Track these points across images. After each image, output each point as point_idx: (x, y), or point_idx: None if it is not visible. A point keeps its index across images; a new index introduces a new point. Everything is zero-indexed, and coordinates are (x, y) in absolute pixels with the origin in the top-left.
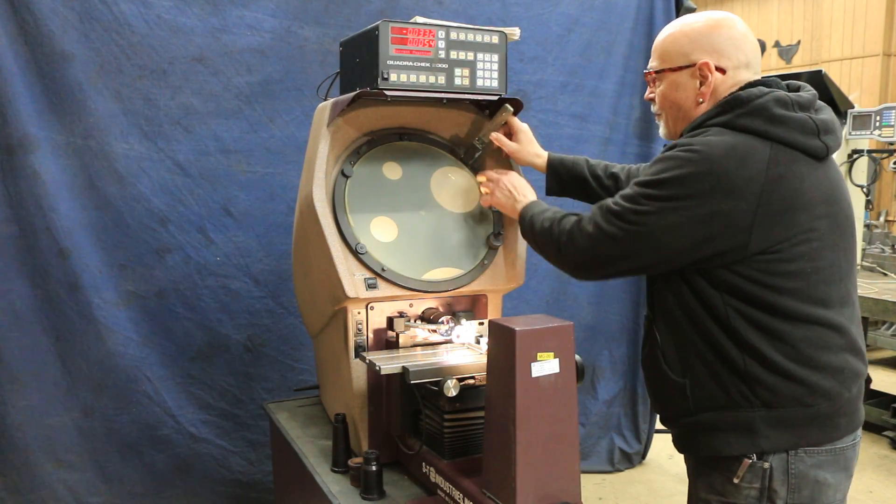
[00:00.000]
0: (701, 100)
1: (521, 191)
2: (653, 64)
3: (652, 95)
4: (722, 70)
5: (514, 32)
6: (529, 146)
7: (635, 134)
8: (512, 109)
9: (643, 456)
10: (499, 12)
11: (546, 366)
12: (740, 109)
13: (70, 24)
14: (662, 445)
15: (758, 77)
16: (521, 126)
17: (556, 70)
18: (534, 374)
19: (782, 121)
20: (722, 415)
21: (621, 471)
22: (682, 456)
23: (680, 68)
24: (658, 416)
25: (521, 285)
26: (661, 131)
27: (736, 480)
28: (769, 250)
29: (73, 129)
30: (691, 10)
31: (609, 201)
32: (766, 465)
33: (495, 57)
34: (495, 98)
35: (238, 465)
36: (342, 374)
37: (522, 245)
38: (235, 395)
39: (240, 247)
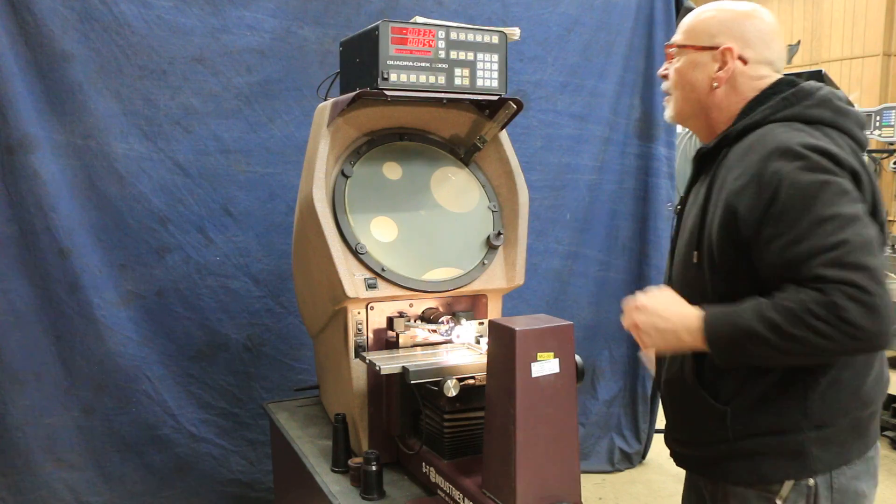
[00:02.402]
0: (716, 84)
1: (674, 315)
2: (676, 38)
3: (666, 71)
4: (744, 60)
5: (514, 32)
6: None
7: (635, 134)
8: (515, 107)
9: (643, 456)
10: (499, 12)
11: (546, 366)
12: (808, 101)
13: (70, 25)
14: (663, 446)
15: (781, 76)
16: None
17: (555, 70)
18: (534, 374)
19: (845, 113)
20: (766, 440)
21: (621, 471)
22: None
23: (703, 48)
24: (671, 437)
25: (521, 285)
26: (667, 113)
27: (779, 501)
28: None
29: (74, 130)
30: (691, 10)
31: (837, 253)
32: (812, 482)
33: (495, 57)
34: (495, 98)
35: (238, 465)
36: (342, 374)
37: (522, 245)
38: (235, 395)
39: (239, 246)
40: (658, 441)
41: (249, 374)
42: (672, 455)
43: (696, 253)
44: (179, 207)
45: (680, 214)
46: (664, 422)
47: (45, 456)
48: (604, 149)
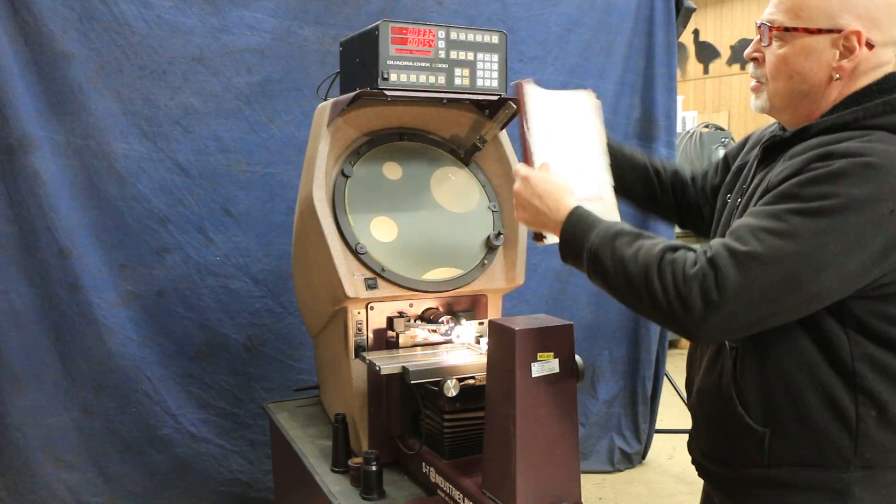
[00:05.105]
0: (837, 76)
1: (551, 199)
2: (777, 17)
3: (759, 54)
4: (870, 45)
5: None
6: None
7: (635, 134)
8: (515, 108)
9: (643, 456)
10: (499, 12)
11: (546, 366)
12: None
13: (70, 24)
14: (663, 445)
15: None
16: None
17: (555, 70)
18: (534, 374)
19: None
20: (807, 472)
21: (621, 471)
22: (682, 456)
23: (819, 31)
24: (697, 448)
25: (521, 285)
26: (757, 103)
27: None
28: None
29: (74, 129)
30: (692, 11)
31: (750, 221)
32: None
33: (495, 57)
34: (495, 98)
35: (238, 465)
36: (342, 374)
37: (522, 245)
38: (235, 395)
39: (239, 246)
40: (658, 441)
41: (249, 374)
42: (695, 464)
43: None
44: (179, 207)
45: (731, 205)
46: (672, 423)
47: (45, 456)
48: None
